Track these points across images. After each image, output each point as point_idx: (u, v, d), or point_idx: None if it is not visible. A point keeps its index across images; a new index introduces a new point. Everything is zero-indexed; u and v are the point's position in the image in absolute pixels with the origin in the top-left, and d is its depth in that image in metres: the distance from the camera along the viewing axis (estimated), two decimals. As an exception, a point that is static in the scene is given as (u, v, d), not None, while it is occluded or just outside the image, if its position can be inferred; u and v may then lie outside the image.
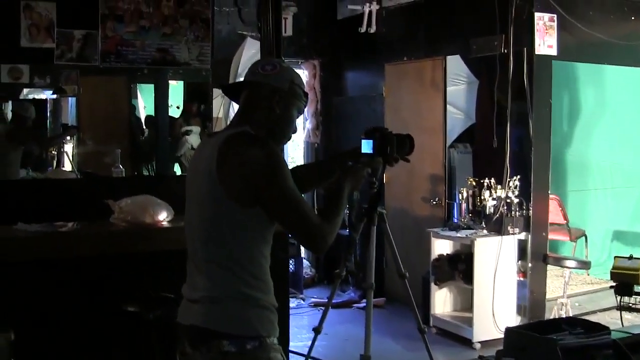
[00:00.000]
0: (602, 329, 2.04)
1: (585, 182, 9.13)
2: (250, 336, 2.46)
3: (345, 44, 8.59)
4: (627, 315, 4.83)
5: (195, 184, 2.59)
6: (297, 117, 2.73)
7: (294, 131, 2.76)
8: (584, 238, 8.24)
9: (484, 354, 5.85)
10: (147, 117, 7.95)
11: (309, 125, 8.83)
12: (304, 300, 7.98)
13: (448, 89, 7.32)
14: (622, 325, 4.97)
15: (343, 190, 2.70)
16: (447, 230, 6.57)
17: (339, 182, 2.73)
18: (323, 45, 8.70)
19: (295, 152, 9.65)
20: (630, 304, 4.53)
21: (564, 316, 6.38)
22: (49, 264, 4.19)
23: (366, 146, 3.14)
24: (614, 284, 4.60)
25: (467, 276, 6.34)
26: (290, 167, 2.60)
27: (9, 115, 7.42)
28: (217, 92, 7.95)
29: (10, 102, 7.88)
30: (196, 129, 7.92)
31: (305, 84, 2.77)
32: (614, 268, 4.62)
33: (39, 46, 5.34)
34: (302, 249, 8.55)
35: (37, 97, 8.17)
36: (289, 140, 2.82)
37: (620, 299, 4.55)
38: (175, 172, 6.80)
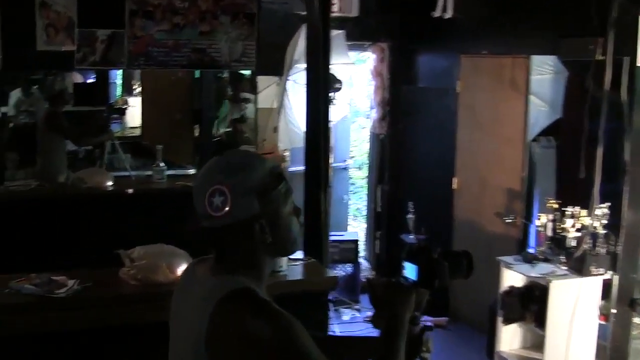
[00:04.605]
0: None
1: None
2: None
3: (417, 28, 7.72)
4: None
5: (178, 336, 1.98)
6: (292, 206, 2.02)
7: (298, 225, 2.06)
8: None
9: None
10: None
11: (374, 115, 8.05)
12: (359, 311, 7.29)
13: (532, 77, 6.45)
14: None
15: (397, 328, 2.09)
16: (520, 262, 5.74)
17: (387, 319, 2.11)
18: (392, 28, 7.87)
19: (361, 145, 8.98)
20: None
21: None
22: (38, 340, 3.55)
23: (409, 271, 2.34)
24: None
25: (540, 319, 5.56)
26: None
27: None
28: (271, 81, 7.31)
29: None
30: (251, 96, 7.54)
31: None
32: None
33: (57, 49, 4.73)
34: (360, 252, 7.89)
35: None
36: (296, 244, 2.09)
37: None
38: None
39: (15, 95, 8.65)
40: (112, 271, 3.92)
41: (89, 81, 9.82)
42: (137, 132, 9.72)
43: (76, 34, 4.71)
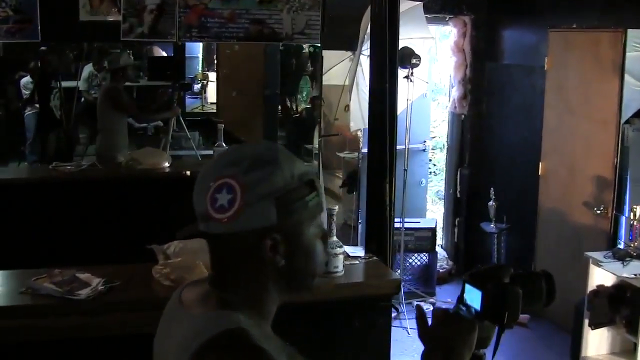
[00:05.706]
0: None
1: None
2: None
3: (502, 0, 7.30)
4: None
5: None
6: (320, 225, 1.56)
7: (323, 254, 1.60)
8: None
9: None
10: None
11: (455, 93, 7.52)
12: (434, 305, 6.79)
13: (627, 53, 5.83)
14: None
15: None
16: (610, 259, 5.19)
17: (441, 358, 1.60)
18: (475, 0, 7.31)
19: (442, 125, 8.45)
20: None
21: None
22: (54, 348, 3.15)
23: (471, 296, 1.78)
24: None
25: (632, 324, 4.99)
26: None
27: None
28: (343, 56, 6.86)
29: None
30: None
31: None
32: None
33: (101, 19, 4.34)
34: (438, 240, 7.39)
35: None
36: (315, 279, 1.61)
37: None
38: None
39: (87, 69, 8.46)
40: (146, 268, 3.49)
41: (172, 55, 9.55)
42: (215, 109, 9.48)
43: (122, 3, 4.30)
